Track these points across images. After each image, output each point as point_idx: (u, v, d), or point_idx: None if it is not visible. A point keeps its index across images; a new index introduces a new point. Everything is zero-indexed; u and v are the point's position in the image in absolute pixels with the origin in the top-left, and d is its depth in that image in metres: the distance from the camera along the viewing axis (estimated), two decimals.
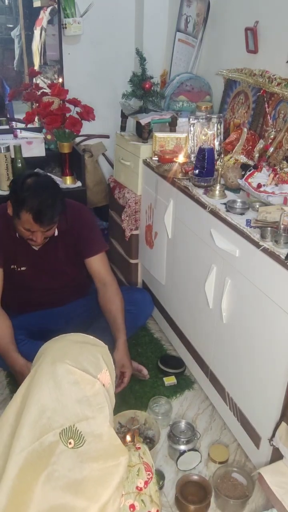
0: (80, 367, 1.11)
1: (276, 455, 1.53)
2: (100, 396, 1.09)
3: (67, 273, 2.05)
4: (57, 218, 1.81)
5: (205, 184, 1.86)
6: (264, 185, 1.71)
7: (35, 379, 1.11)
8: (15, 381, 2.06)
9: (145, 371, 2.06)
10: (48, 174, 1.88)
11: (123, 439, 1.50)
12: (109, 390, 1.17)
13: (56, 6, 2.63)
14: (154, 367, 2.16)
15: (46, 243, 1.93)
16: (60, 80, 2.76)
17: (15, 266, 1.97)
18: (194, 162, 1.99)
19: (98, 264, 2.04)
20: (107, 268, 2.07)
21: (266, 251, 1.41)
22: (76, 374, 1.09)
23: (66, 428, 1.03)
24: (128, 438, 1.68)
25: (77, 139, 2.79)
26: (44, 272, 2.00)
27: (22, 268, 1.97)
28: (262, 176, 1.77)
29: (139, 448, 1.31)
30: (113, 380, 1.22)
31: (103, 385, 1.12)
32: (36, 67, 2.84)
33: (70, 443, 1.04)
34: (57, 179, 2.58)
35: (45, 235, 1.84)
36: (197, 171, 1.89)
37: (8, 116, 2.79)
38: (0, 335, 1.87)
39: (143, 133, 2.31)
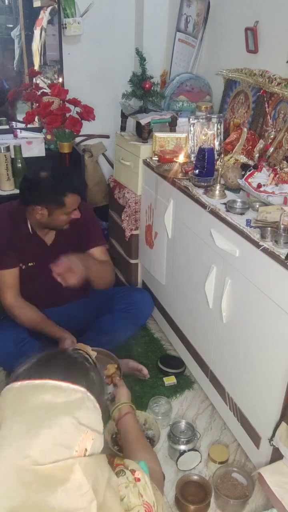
0: (49, 458, 0.82)
1: (276, 455, 1.53)
2: (79, 480, 0.83)
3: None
4: None
5: (205, 184, 1.86)
6: (264, 185, 1.71)
7: None
8: None
9: (145, 371, 2.06)
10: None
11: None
12: (94, 445, 0.89)
13: (56, 6, 2.63)
14: (154, 367, 2.16)
15: (56, 236, 2.02)
16: (60, 80, 2.76)
17: (22, 264, 2.00)
18: (194, 162, 1.99)
19: (99, 253, 2.10)
20: (108, 257, 2.16)
21: (266, 251, 1.41)
22: (45, 470, 0.82)
23: None
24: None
25: (77, 139, 2.79)
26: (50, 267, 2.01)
27: (30, 264, 2.00)
28: (262, 176, 1.77)
29: (139, 480, 1.05)
30: (99, 429, 0.92)
31: (85, 452, 0.86)
32: (36, 67, 2.84)
33: None
34: None
35: (79, 212, 1.96)
36: (197, 171, 1.89)
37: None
38: (33, 315, 1.98)
39: (143, 133, 2.31)
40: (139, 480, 1.04)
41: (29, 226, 1.96)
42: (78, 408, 0.87)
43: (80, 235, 2.06)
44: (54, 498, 0.81)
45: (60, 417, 0.85)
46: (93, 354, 1.70)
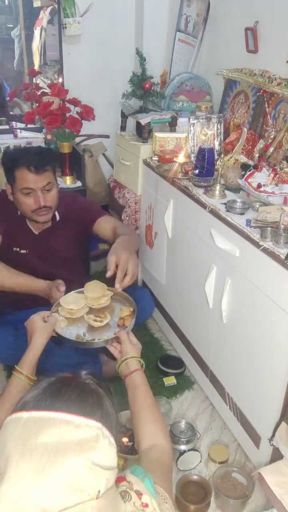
0: (59, 505, 0.75)
1: (276, 455, 1.53)
2: None
3: (67, 262, 2.05)
4: (50, 168, 1.83)
5: (205, 184, 1.86)
6: (264, 185, 1.71)
7: None
8: None
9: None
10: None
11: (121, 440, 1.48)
12: (109, 482, 0.81)
13: (56, 6, 2.63)
14: (154, 367, 2.16)
15: (47, 228, 1.97)
16: (60, 80, 2.76)
17: (18, 249, 1.98)
18: (194, 162, 1.99)
19: (105, 222, 2.05)
20: (117, 220, 2.11)
21: (266, 251, 1.41)
22: None
23: None
24: (125, 439, 1.67)
25: (77, 139, 2.79)
26: (44, 258, 2.00)
27: (23, 251, 1.99)
28: (262, 176, 1.77)
29: (147, 505, 0.99)
30: (114, 465, 0.84)
31: (97, 494, 0.79)
32: (36, 67, 2.84)
33: None
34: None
35: (47, 200, 1.83)
36: (197, 171, 1.89)
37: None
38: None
39: (143, 133, 2.31)
40: (147, 506, 0.95)
41: (19, 213, 1.94)
42: (92, 448, 0.79)
43: (79, 223, 2.04)
44: None
45: (72, 459, 0.77)
46: (109, 293, 1.69)
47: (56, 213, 1.97)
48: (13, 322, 1.97)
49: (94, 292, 1.68)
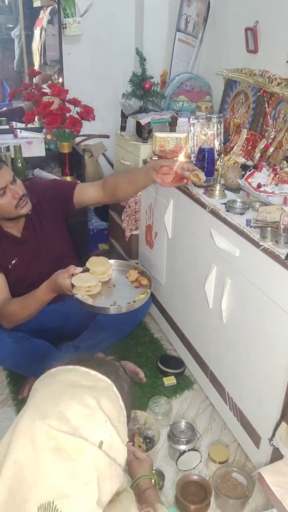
0: (65, 428, 0.84)
1: (276, 455, 1.53)
2: (86, 467, 0.84)
3: (57, 253, 2.04)
4: (2, 160, 1.85)
5: (205, 184, 1.86)
6: (264, 185, 1.71)
7: (13, 439, 0.87)
8: (15, 381, 2.07)
9: (141, 374, 2.03)
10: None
11: None
12: (111, 446, 0.88)
13: (56, 6, 2.63)
14: (154, 367, 2.16)
15: (25, 225, 1.95)
16: (60, 80, 2.76)
17: (11, 262, 1.97)
18: (194, 162, 1.99)
19: (82, 189, 2.03)
20: (94, 183, 2.08)
21: (266, 251, 1.41)
22: (57, 438, 0.83)
23: (45, 503, 0.83)
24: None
25: (77, 139, 2.79)
26: (34, 256, 1.99)
27: (13, 262, 1.97)
28: (262, 176, 1.77)
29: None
30: (120, 432, 0.91)
31: (100, 444, 0.86)
32: (36, 67, 2.84)
33: None
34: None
35: (19, 189, 1.83)
36: None
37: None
38: (18, 302, 1.87)
39: (143, 133, 2.31)
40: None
41: None
42: (102, 393, 0.90)
43: (54, 205, 2.01)
44: (57, 470, 0.82)
45: (83, 395, 0.88)
46: (112, 265, 1.80)
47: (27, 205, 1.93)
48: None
49: (101, 266, 1.78)
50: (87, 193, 2.03)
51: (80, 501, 0.83)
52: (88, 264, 1.78)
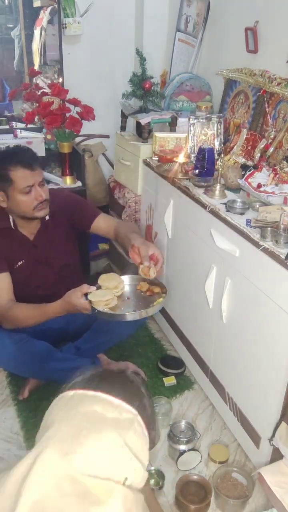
0: (91, 470, 0.79)
1: (276, 455, 1.53)
2: (115, 508, 0.80)
3: (64, 262, 2.05)
4: (39, 165, 1.86)
5: (205, 184, 1.86)
6: (264, 185, 1.71)
7: (33, 475, 0.80)
8: (15, 381, 2.07)
9: (142, 374, 2.04)
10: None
11: None
12: (135, 479, 0.85)
13: (56, 6, 2.63)
14: (154, 367, 2.16)
15: (39, 230, 1.96)
16: (60, 80, 2.76)
17: (17, 264, 1.97)
18: (194, 162, 1.99)
19: (103, 221, 2.06)
20: (115, 219, 2.14)
21: (266, 251, 1.41)
22: (84, 483, 0.78)
23: None
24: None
25: (77, 139, 2.79)
26: (40, 262, 2.00)
27: (20, 263, 1.97)
28: (262, 176, 1.77)
29: None
30: (143, 460, 0.87)
31: (124, 480, 0.83)
32: (36, 67, 2.84)
33: None
34: (57, 179, 2.59)
35: (45, 193, 1.85)
36: (197, 171, 1.89)
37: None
38: (25, 310, 1.86)
39: (143, 133, 2.31)
40: None
41: (10, 221, 1.92)
42: (126, 428, 0.85)
43: (72, 221, 2.03)
44: None
45: (108, 432, 0.83)
46: (123, 280, 1.84)
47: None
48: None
49: (113, 281, 1.81)
50: (102, 229, 2.08)
51: None
52: (100, 281, 1.80)
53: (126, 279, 1.89)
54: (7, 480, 0.81)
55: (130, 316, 1.68)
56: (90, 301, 1.70)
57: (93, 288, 1.75)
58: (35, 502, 0.77)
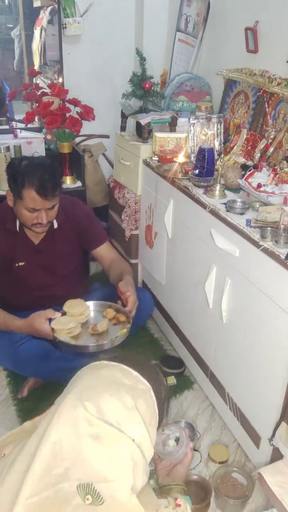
0: (105, 418, 0.92)
1: (276, 455, 1.53)
2: (124, 456, 0.92)
3: (65, 268, 2.05)
4: (58, 191, 1.83)
5: (205, 184, 1.86)
6: (264, 185, 1.71)
7: (54, 421, 0.93)
8: (15, 381, 2.06)
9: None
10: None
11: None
12: (141, 444, 0.95)
13: (56, 6, 2.63)
14: None
15: (45, 236, 1.96)
16: (60, 80, 2.76)
17: (18, 264, 1.97)
18: (194, 162, 1.99)
19: (105, 251, 2.10)
20: (115, 252, 2.16)
21: (266, 251, 1.41)
22: (99, 427, 0.91)
23: (84, 484, 0.90)
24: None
25: (77, 139, 2.79)
26: (42, 266, 2.00)
27: (21, 264, 1.97)
28: (262, 176, 1.77)
29: (179, 505, 1.12)
30: (151, 433, 0.98)
31: (133, 440, 0.93)
32: (36, 67, 2.84)
33: (87, 499, 0.91)
34: None
35: (49, 216, 1.84)
36: (197, 171, 1.89)
37: (8, 115, 2.79)
38: None
39: (143, 133, 2.31)
40: (179, 505, 1.14)
41: (17, 223, 1.92)
42: (139, 395, 0.97)
43: (80, 236, 2.05)
44: (97, 455, 0.90)
45: (123, 393, 0.95)
46: (88, 306, 1.85)
47: (54, 221, 1.94)
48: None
49: (78, 307, 1.81)
50: (102, 257, 2.12)
51: (116, 486, 0.91)
52: (65, 308, 1.80)
53: (92, 305, 1.89)
54: (38, 427, 0.97)
55: (92, 348, 1.67)
56: (53, 329, 1.71)
57: (58, 314, 1.75)
58: (54, 443, 0.91)
